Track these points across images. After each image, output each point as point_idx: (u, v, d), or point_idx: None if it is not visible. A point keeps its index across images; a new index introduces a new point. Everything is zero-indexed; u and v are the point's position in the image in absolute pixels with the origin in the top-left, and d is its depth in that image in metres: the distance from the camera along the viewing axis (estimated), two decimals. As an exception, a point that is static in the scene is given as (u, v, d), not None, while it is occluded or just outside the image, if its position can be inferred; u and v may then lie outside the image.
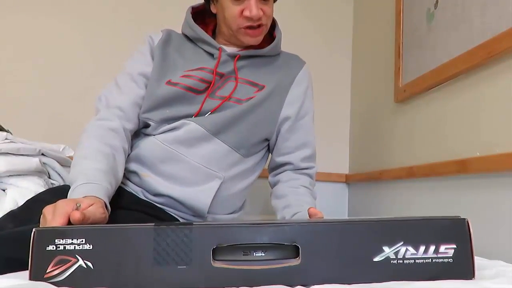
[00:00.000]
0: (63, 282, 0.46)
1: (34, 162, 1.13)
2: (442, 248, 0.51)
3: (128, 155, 0.96)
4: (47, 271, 0.46)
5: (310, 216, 0.78)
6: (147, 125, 0.97)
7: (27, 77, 1.65)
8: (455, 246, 0.51)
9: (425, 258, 0.51)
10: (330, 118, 1.88)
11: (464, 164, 1.01)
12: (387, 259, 0.50)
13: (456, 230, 0.52)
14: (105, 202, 0.71)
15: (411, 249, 0.51)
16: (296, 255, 0.50)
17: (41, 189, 1.10)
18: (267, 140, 1.05)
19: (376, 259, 0.50)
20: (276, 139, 1.04)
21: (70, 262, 0.47)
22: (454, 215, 0.54)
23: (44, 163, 1.19)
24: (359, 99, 1.83)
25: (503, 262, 0.71)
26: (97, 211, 0.64)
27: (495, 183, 0.92)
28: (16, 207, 0.96)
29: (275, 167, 1.08)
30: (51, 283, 0.46)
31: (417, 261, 0.51)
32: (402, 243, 0.51)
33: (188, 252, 0.48)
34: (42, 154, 1.19)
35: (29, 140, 1.18)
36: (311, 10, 1.91)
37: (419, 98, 1.29)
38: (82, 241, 0.47)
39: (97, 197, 0.70)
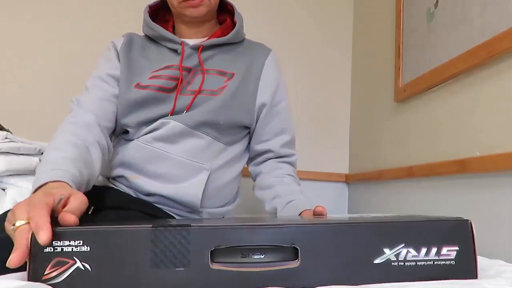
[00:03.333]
0: (61, 284, 0.46)
1: (34, 161, 1.14)
2: (444, 250, 0.50)
3: (111, 160, 0.95)
4: (45, 273, 0.46)
5: (315, 214, 0.78)
6: (126, 131, 0.97)
7: (27, 77, 1.65)
8: (457, 248, 0.50)
9: (426, 260, 0.50)
10: (330, 118, 1.89)
11: (464, 164, 1.01)
12: (388, 261, 0.49)
13: (458, 232, 0.51)
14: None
15: (412, 251, 0.50)
16: (295, 257, 0.49)
17: (41, 188, 1.10)
18: (247, 127, 1.03)
19: (377, 261, 0.50)
20: (255, 128, 1.04)
21: (68, 264, 0.46)
22: (454, 215, 0.53)
23: (44, 162, 1.19)
24: (359, 99, 1.83)
25: (503, 261, 0.71)
26: (77, 201, 0.57)
27: (495, 183, 0.92)
28: (15, 207, 0.96)
29: (255, 156, 1.07)
30: (50, 285, 0.46)
31: (418, 263, 0.50)
32: (403, 245, 0.50)
33: (186, 254, 0.47)
34: (42, 154, 1.19)
35: (29, 139, 1.18)
36: (311, 10, 1.91)
37: (419, 98, 1.28)
38: (79, 242, 0.47)
39: (62, 181, 0.64)
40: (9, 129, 1.24)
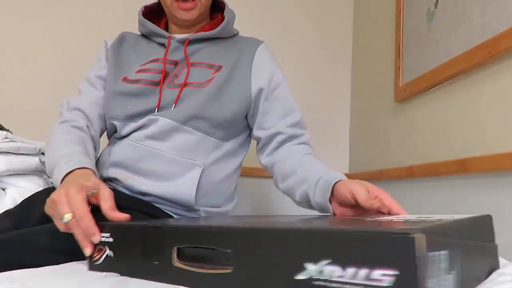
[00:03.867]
0: (100, 265, 0.60)
1: (34, 161, 1.14)
2: (377, 274, 0.37)
3: (98, 158, 0.97)
4: (93, 256, 0.61)
5: (391, 212, 0.67)
6: (114, 128, 0.98)
7: (27, 77, 1.65)
8: (397, 273, 0.36)
9: (354, 284, 0.38)
10: (330, 117, 1.89)
11: (464, 164, 1.01)
12: (310, 279, 0.40)
13: (400, 250, 0.36)
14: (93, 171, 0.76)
15: (338, 270, 0.39)
16: (230, 262, 0.46)
17: (41, 188, 1.10)
18: (243, 120, 1.01)
19: (299, 277, 0.41)
20: (257, 116, 1.00)
21: (103, 251, 0.60)
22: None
23: (44, 162, 1.19)
24: (359, 98, 1.83)
25: (503, 259, 0.71)
26: (111, 198, 0.68)
27: (495, 183, 0.92)
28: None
29: (264, 145, 1.00)
30: (95, 265, 0.61)
31: (345, 286, 0.38)
32: (329, 260, 0.39)
33: (161, 250, 0.53)
34: (42, 154, 1.19)
35: (29, 139, 1.18)
36: (311, 10, 1.91)
37: (419, 98, 1.29)
38: (108, 235, 0.59)
39: (86, 168, 0.75)
40: (9, 129, 1.24)
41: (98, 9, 1.73)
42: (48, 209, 0.65)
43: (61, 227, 0.63)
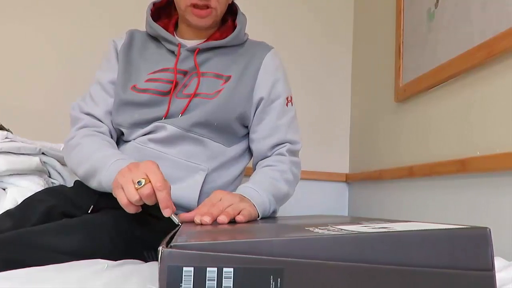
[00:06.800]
0: None
1: (34, 161, 1.14)
2: None
3: None
4: None
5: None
6: (121, 132, 0.99)
7: (27, 77, 1.65)
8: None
9: None
10: (331, 117, 1.89)
11: (464, 164, 1.01)
12: None
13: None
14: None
15: None
16: None
17: (42, 188, 1.10)
18: (245, 127, 1.02)
19: None
20: (251, 124, 1.02)
21: None
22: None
23: (44, 162, 1.19)
24: (359, 98, 1.83)
25: (502, 259, 0.71)
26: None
27: (495, 183, 0.92)
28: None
29: (254, 164, 1.04)
30: None
31: None
32: None
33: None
34: (43, 153, 1.19)
35: (29, 139, 1.18)
36: (311, 10, 1.91)
37: (419, 98, 1.29)
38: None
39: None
40: (9, 129, 1.24)
41: (99, 8, 1.73)
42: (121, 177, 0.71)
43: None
